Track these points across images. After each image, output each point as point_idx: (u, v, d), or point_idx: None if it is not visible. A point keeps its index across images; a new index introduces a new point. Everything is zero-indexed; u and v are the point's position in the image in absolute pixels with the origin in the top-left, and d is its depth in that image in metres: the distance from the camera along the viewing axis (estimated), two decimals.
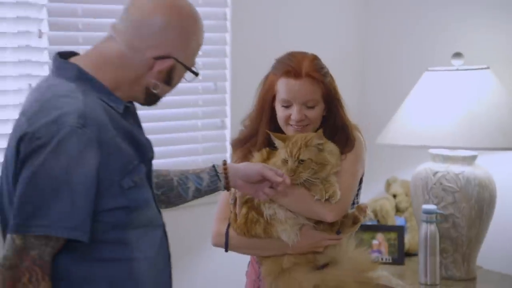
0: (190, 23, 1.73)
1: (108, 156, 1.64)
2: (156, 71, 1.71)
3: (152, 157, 1.81)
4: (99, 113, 1.64)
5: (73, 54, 1.77)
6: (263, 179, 1.99)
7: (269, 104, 2.15)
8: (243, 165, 2.01)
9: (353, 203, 2.20)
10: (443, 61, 2.98)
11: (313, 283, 2.01)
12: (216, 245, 2.17)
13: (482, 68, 2.85)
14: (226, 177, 1.99)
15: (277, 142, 2.09)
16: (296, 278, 2.05)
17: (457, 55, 2.87)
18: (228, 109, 3.26)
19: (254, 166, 2.00)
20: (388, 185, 3.37)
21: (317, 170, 2.03)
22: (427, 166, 2.90)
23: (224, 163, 2.00)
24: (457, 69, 2.87)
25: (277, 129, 2.16)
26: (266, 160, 2.10)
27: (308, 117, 2.11)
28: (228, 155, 3.27)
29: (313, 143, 2.04)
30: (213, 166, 2.01)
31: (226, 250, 2.16)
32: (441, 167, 2.86)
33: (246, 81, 3.10)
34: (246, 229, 2.08)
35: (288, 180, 1.98)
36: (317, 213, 2.04)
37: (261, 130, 2.15)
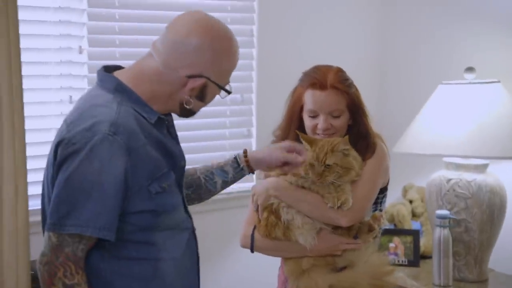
0: (223, 46, 1.76)
1: (137, 162, 1.69)
2: (189, 89, 1.76)
3: (183, 166, 1.87)
4: (130, 122, 1.69)
5: (118, 68, 1.85)
6: (284, 163, 2.03)
7: (297, 114, 2.18)
8: (264, 154, 2.03)
9: (376, 210, 2.21)
10: (456, 75, 3.00)
11: (329, 283, 2.04)
12: (243, 246, 2.21)
13: (493, 82, 2.87)
14: (249, 166, 2.04)
15: (305, 144, 2.10)
16: (313, 277, 2.07)
17: (470, 69, 2.90)
18: (254, 119, 3.30)
19: (275, 153, 2.01)
20: (405, 191, 3.37)
21: (342, 174, 2.04)
22: (441, 174, 2.91)
23: (245, 154, 2.03)
24: (470, 83, 2.89)
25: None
26: None
27: (333, 126, 2.13)
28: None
29: (339, 148, 2.06)
30: (235, 158, 2.04)
31: (252, 251, 2.20)
32: (454, 175, 2.87)
33: (271, 93, 3.22)
34: (267, 232, 2.12)
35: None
36: (332, 219, 2.07)
37: (291, 140, 2.17)
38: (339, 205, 2.03)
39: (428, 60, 3.39)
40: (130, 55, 2.93)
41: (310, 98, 2.13)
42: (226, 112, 3.23)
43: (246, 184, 3.17)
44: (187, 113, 1.81)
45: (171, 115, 1.87)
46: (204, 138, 3.18)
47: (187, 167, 2.00)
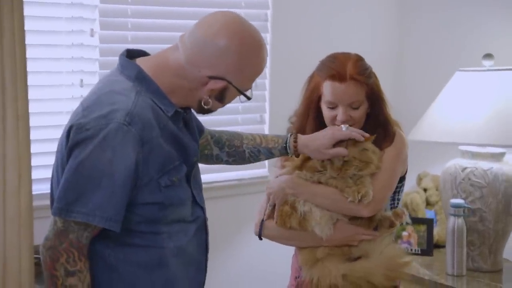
0: (250, 52, 1.73)
1: (149, 154, 1.68)
2: (209, 89, 1.74)
3: (195, 161, 1.85)
4: (147, 113, 1.68)
5: (142, 53, 1.83)
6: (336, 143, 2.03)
7: (315, 103, 2.15)
8: (312, 140, 2.03)
9: (394, 199, 2.19)
10: (474, 62, 2.98)
11: (342, 272, 2.04)
12: (255, 234, 2.21)
13: (511, 69, 2.85)
14: (296, 151, 2.04)
15: None
16: (327, 266, 2.08)
17: (488, 56, 2.88)
18: (267, 105, 3.27)
19: (325, 135, 2.02)
20: (420, 179, 3.35)
21: (362, 168, 2.04)
22: (456, 162, 2.90)
23: (295, 140, 2.03)
24: (488, 70, 2.87)
25: (323, 126, 2.16)
26: (306, 159, 2.10)
27: (352, 117, 2.10)
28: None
29: (358, 144, 2.04)
30: (286, 144, 2.04)
31: (260, 238, 2.20)
32: (470, 163, 2.86)
33: (284, 79, 3.22)
34: (282, 221, 2.12)
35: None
36: (352, 210, 2.06)
37: (308, 127, 2.16)
38: (359, 198, 2.01)
39: (446, 46, 3.39)
40: (142, 38, 2.93)
41: (328, 90, 2.10)
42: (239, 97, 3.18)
43: (259, 170, 3.22)
44: (205, 111, 1.80)
45: (190, 109, 1.86)
46: (216, 124, 3.00)
47: (232, 131, 2.07)
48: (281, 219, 2.11)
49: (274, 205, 2.14)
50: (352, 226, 2.09)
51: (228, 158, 2.03)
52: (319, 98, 2.15)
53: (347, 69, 2.07)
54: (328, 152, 2.02)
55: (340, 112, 2.10)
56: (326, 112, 2.14)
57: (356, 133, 2.04)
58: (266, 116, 3.28)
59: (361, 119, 2.14)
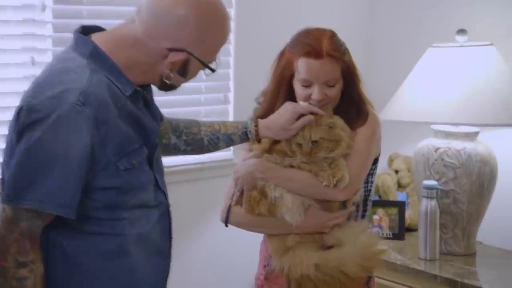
0: (210, 19, 1.70)
1: (106, 136, 1.64)
2: (169, 62, 1.70)
3: (157, 143, 1.81)
4: (102, 92, 1.64)
5: (98, 29, 1.77)
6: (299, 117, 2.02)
7: (286, 82, 2.13)
8: (273, 120, 2.03)
9: (368, 182, 2.19)
10: (447, 38, 2.98)
11: (314, 261, 2.03)
12: (221, 221, 2.20)
13: (485, 45, 2.84)
14: (257, 135, 2.04)
15: None
16: (298, 255, 2.07)
17: (461, 31, 2.87)
18: (231, 84, 3.25)
19: (286, 111, 2.02)
20: (391, 160, 3.37)
21: (332, 148, 2.03)
22: (429, 142, 2.90)
23: (256, 124, 2.03)
24: (461, 46, 2.86)
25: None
26: (274, 143, 2.09)
27: (328, 95, 2.09)
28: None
29: (323, 122, 2.04)
30: (246, 129, 2.04)
31: (226, 226, 2.18)
32: (443, 143, 2.86)
33: (250, 56, 3.16)
34: (250, 208, 2.10)
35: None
36: (327, 194, 2.06)
37: (278, 108, 2.12)
38: (335, 183, 2.01)
39: (418, 22, 3.37)
40: (98, 13, 2.84)
41: (304, 67, 2.07)
42: (201, 75, 3.12)
43: (223, 153, 3.16)
44: (167, 87, 1.77)
45: (150, 87, 1.82)
46: (177, 104, 3.08)
47: (190, 119, 2.06)
48: (249, 205, 2.09)
49: (242, 191, 2.12)
50: (323, 212, 2.07)
51: (186, 147, 2.01)
52: (291, 76, 2.12)
53: (323, 45, 2.05)
54: (293, 127, 2.01)
55: (315, 91, 2.07)
56: (300, 91, 2.11)
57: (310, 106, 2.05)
58: (231, 96, 3.26)
59: (337, 97, 2.12)
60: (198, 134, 2.04)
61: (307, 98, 2.10)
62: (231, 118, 3.25)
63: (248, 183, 2.10)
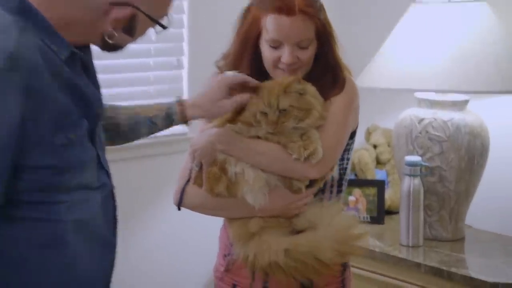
0: None
1: (38, 107, 1.61)
2: (112, 18, 1.67)
3: (99, 114, 1.79)
4: (34, 56, 1.60)
5: None
6: (231, 90, 2.03)
7: (252, 42, 2.13)
8: (201, 97, 2.04)
9: (343, 159, 2.20)
10: None
11: (284, 247, 2.03)
12: (175, 203, 2.19)
13: (476, 1, 2.87)
14: (184, 116, 2.03)
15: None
16: (266, 240, 2.07)
17: None
18: (185, 46, 3.25)
19: (213, 85, 2.03)
20: (368, 134, 3.38)
21: (303, 117, 2.04)
22: (412, 113, 2.92)
23: (181, 103, 2.03)
24: (449, 1, 2.88)
25: (261, 71, 2.15)
26: (238, 112, 2.09)
27: (300, 58, 2.09)
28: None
29: (292, 89, 2.04)
30: (169, 110, 2.03)
31: (179, 208, 2.18)
32: (428, 114, 2.88)
33: (207, 13, 3.14)
34: (209, 186, 2.10)
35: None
36: (297, 171, 2.06)
37: (243, 72, 2.13)
38: (306, 156, 2.01)
39: None
40: None
41: (273, 25, 2.06)
42: (149, 36, 3.10)
43: (177, 127, 3.13)
44: (111, 48, 1.73)
45: (89, 48, 1.78)
46: (121, 69, 3.14)
47: (111, 103, 2.02)
48: (209, 183, 2.09)
49: (201, 166, 2.11)
50: (290, 193, 2.08)
51: (105, 133, 1.95)
52: (258, 36, 2.12)
53: (295, 0, 2.05)
54: (227, 102, 2.02)
55: (285, 53, 2.07)
56: (268, 53, 2.11)
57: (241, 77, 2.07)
58: (185, 60, 3.26)
59: (309, 61, 2.12)
60: (114, 118, 2.01)
61: (276, 61, 2.10)
62: (185, 85, 3.28)
63: (207, 156, 2.09)
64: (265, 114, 2.03)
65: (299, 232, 2.10)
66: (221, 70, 2.21)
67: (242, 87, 2.07)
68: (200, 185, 2.12)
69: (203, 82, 2.12)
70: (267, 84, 2.08)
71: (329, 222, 2.08)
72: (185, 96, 3.21)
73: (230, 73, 2.08)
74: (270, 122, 2.02)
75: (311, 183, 2.10)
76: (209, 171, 2.09)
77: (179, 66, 3.26)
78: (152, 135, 2.11)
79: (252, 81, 2.05)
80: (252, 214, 2.08)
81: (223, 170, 2.08)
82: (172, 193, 2.20)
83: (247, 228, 2.11)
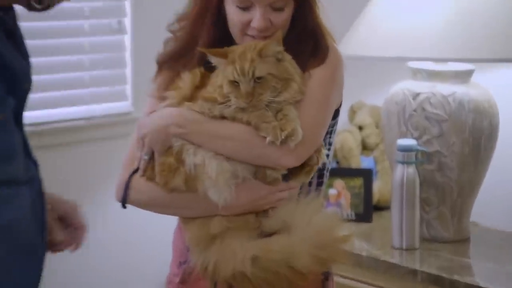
0: None
1: None
2: None
3: (27, 89, 1.79)
4: None
5: None
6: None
7: (215, 4, 2.15)
8: None
9: (325, 143, 2.21)
10: None
11: (252, 253, 2.04)
12: (117, 200, 2.19)
13: None
14: None
15: (216, 60, 2.09)
16: (229, 245, 2.07)
17: None
18: (127, 4, 3.23)
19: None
20: (352, 112, 3.39)
21: (281, 89, 2.05)
22: (405, 86, 2.92)
23: None
24: None
25: (225, 39, 2.16)
26: (198, 87, 2.11)
27: (273, 23, 2.11)
28: (128, 71, 3.28)
29: (269, 52, 2.06)
30: None
31: (124, 206, 2.18)
32: (424, 87, 2.88)
33: None
34: (163, 180, 2.11)
35: None
36: (270, 157, 2.06)
37: (202, 39, 2.15)
38: (283, 137, 2.02)
39: None
40: None
41: None
42: None
43: (117, 104, 3.23)
44: (35, 7, 1.73)
45: (13, 11, 1.77)
46: (53, 34, 3.13)
47: None
48: (163, 176, 2.10)
49: (152, 154, 2.12)
50: (260, 184, 2.09)
51: None
52: None
53: None
54: None
55: (256, 15, 2.09)
56: (235, 16, 2.13)
57: None
58: (127, 22, 3.25)
59: (285, 26, 2.14)
60: None
61: (245, 26, 2.12)
62: (128, 53, 3.26)
63: (160, 143, 2.10)
64: (235, 84, 2.04)
65: (270, 235, 2.10)
66: (175, 35, 2.22)
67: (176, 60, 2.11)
68: (151, 179, 2.13)
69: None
70: (235, 48, 2.09)
71: (306, 222, 2.07)
72: (129, 68, 3.24)
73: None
74: (243, 95, 2.03)
75: (292, 173, 2.11)
76: (163, 161, 2.10)
77: (121, 30, 3.24)
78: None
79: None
80: (214, 212, 2.09)
81: (180, 160, 2.08)
82: (114, 187, 2.19)
83: (207, 229, 2.10)
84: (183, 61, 2.17)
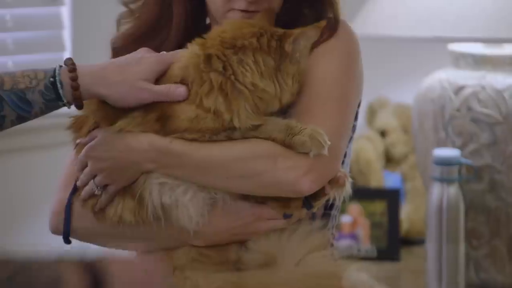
0: None
1: None
2: None
3: None
4: None
5: None
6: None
7: None
8: (116, 68, 1.99)
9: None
10: None
11: (216, 286, 2.02)
12: (54, 230, 2.13)
13: None
14: (76, 91, 1.96)
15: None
16: (191, 278, 2.04)
17: None
18: None
19: (144, 60, 2.02)
20: (371, 113, 3.41)
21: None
22: (444, 77, 2.89)
23: (72, 68, 1.97)
24: None
25: (202, 17, 2.19)
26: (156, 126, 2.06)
27: None
28: (67, 54, 3.19)
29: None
30: (53, 79, 1.98)
31: (67, 241, 2.12)
32: (471, 78, 2.84)
33: None
34: (117, 217, 2.07)
35: None
36: (282, 184, 2.00)
37: (176, 19, 2.16)
38: (328, 142, 1.95)
39: None
40: None
41: None
42: None
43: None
44: None
45: None
46: None
47: None
48: (115, 212, 2.07)
49: (105, 188, 2.06)
50: (245, 204, 2.02)
51: None
52: None
53: None
54: (153, 87, 2.00)
55: None
56: None
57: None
58: None
59: (278, 3, 2.10)
60: None
61: (226, 3, 2.09)
62: (67, 32, 3.22)
63: (123, 180, 2.05)
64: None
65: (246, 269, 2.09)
66: (131, 12, 2.20)
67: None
68: (94, 210, 2.09)
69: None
70: (225, 24, 2.04)
71: (296, 261, 2.02)
72: (68, 51, 3.20)
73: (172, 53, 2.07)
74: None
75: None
76: (122, 202, 2.07)
77: (57, 1, 3.18)
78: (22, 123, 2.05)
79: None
80: (184, 243, 2.08)
81: (141, 202, 2.05)
82: (46, 214, 2.17)
83: (170, 259, 2.09)
84: (148, 46, 2.10)
